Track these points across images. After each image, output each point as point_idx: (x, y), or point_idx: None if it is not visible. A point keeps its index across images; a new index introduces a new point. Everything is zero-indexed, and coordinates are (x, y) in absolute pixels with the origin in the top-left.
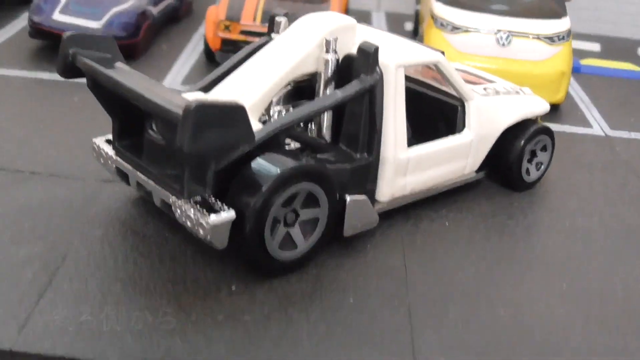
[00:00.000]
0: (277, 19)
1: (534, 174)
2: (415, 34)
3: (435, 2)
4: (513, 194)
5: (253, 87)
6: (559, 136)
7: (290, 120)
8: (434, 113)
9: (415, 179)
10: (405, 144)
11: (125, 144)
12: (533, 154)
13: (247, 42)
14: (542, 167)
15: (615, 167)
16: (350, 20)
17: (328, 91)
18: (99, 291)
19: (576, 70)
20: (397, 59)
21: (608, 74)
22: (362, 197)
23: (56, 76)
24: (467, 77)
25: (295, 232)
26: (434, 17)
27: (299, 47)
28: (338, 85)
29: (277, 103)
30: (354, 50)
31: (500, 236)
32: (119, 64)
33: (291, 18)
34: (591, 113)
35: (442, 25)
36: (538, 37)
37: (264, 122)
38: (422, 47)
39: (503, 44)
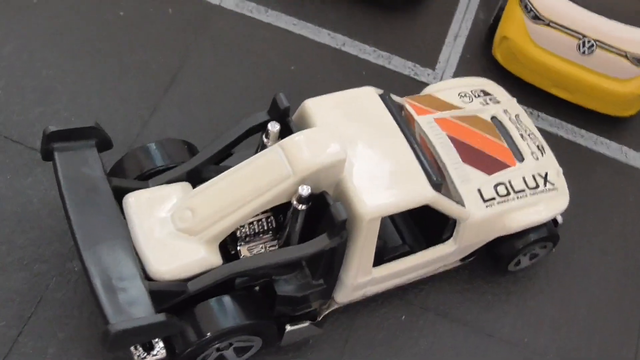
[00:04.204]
0: (270, 126)
1: (524, 264)
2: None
3: None
4: (494, 276)
5: (225, 214)
6: (604, 163)
7: (248, 268)
8: (421, 213)
9: (379, 287)
10: (370, 269)
11: None
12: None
13: None
14: (536, 259)
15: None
16: (339, 155)
17: (297, 226)
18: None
19: None
20: (373, 208)
21: None
22: (304, 324)
23: None
24: (495, 149)
25: (229, 354)
26: None
27: (276, 186)
28: (307, 214)
29: None
30: (332, 189)
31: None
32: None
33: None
34: None
35: (525, 7)
36: (625, 56)
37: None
38: (417, 174)
39: (584, 52)
